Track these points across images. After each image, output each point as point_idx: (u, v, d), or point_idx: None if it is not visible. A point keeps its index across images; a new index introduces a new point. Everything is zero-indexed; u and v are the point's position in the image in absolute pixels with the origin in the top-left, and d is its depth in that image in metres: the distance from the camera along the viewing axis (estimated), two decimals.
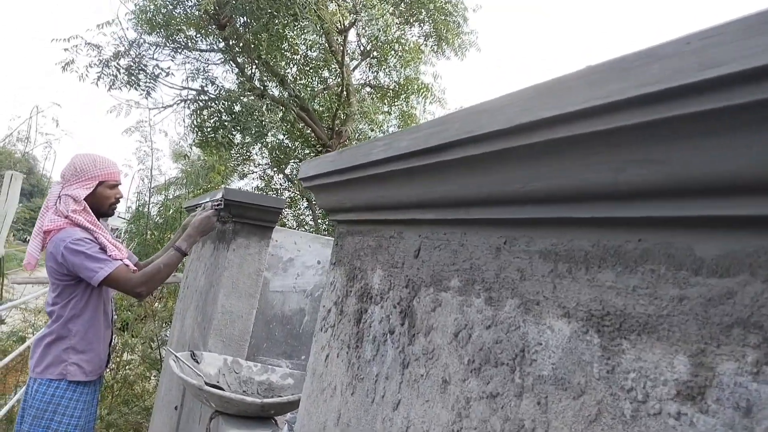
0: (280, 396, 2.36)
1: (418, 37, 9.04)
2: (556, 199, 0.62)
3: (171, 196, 9.32)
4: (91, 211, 2.54)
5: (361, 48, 9.13)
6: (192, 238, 2.66)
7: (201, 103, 8.28)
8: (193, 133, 8.44)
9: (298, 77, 9.15)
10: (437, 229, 0.90)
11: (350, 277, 1.23)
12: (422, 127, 0.82)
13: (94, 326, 2.56)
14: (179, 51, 8.36)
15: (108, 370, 2.72)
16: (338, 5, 8.13)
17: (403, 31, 8.68)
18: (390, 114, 9.80)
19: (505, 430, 0.67)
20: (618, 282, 0.57)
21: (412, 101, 9.35)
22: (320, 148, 8.87)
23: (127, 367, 7.99)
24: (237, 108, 7.87)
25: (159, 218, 9.23)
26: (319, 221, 10.05)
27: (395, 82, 9.31)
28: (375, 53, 8.96)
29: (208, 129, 8.20)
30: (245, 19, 7.83)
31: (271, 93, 8.30)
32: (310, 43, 8.84)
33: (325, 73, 9.50)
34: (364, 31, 8.74)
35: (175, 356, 2.22)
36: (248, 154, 10.33)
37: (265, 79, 8.56)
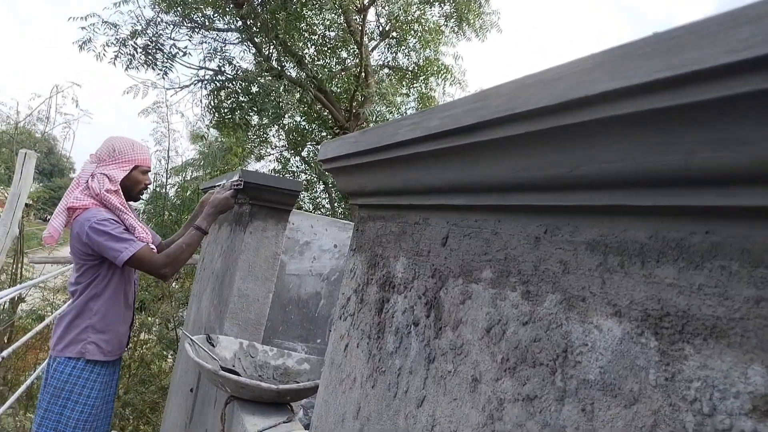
0: (296, 381, 2.33)
1: (439, 17, 8.89)
2: (609, 184, 0.55)
3: (188, 178, 9.33)
4: (122, 193, 2.55)
5: (380, 28, 9.00)
6: (211, 217, 2.65)
7: (218, 84, 8.23)
8: (210, 114, 8.40)
9: (315, 58, 9.06)
10: (467, 216, 0.84)
11: (371, 264, 1.17)
12: (455, 104, 0.75)
13: (115, 306, 2.58)
14: (196, 30, 8.30)
15: (126, 350, 2.75)
16: None
17: (423, 11, 8.53)
18: (408, 96, 9.68)
19: None
20: (680, 279, 0.51)
21: (431, 83, 9.22)
22: (337, 130, 8.80)
23: (144, 347, 8.06)
24: (254, 89, 7.80)
25: (176, 199, 9.25)
26: (336, 204, 10.01)
27: (414, 63, 9.18)
28: (394, 33, 8.83)
29: (225, 110, 8.16)
30: None
31: (288, 74, 8.22)
32: (329, 22, 8.74)
33: (343, 54, 9.40)
34: (383, 10, 8.61)
35: (191, 340, 2.19)
36: (265, 135, 10.29)
37: (282, 59, 8.48)
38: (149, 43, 7.98)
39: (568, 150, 0.58)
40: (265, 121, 8.40)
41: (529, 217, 0.70)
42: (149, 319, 8.00)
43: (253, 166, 10.72)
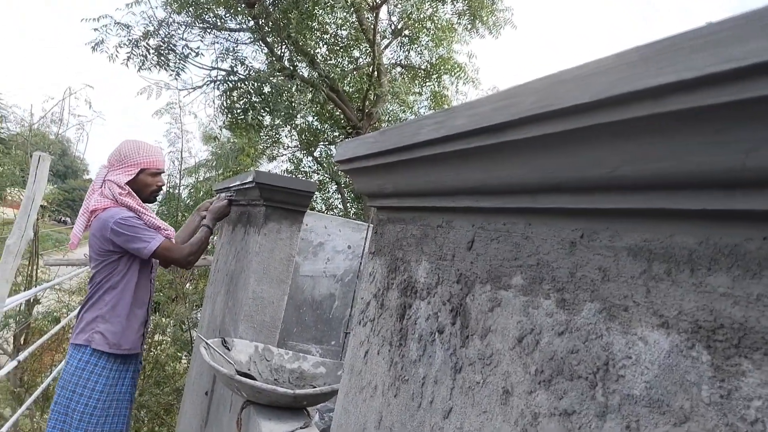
0: (312, 385, 2.30)
1: (452, 14, 8.83)
2: (654, 186, 0.52)
3: (201, 178, 9.35)
4: (135, 195, 2.60)
5: (393, 26, 8.96)
6: (213, 221, 2.86)
7: (230, 84, 8.23)
8: (222, 114, 8.41)
9: (327, 57, 9.04)
10: (494, 219, 0.80)
11: (391, 268, 1.14)
12: (482, 102, 0.72)
13: (124, 300, 2.62)
14: (208, 30, 8.31)
15: (141, 350, 2.80)
16: None
17: (435, 9, 8.48)
18: (421, 95, 9.64)
19: None
20: (735, 289, 0.47)
21: (444, 81, 9.17)
22: (350, 130, 8.77)
23: (158, 348, 8.08)
24: (266, 89, 7.80)
25: (189, 200, 9.28)
26: (349, 205, 9.99)
27: (427, 61, 9.14)
28: (407, 31, 8.79)
29: (238, 110, 8.16)
30: None
31: (300, 73, 8.20)
32: (341, 21, 8.71)
33: (356, 53, 9.37)
34: (395, 8, 8.57)
35: (206, 343, 2.17)
36: (277, 136, 10.29)
37: (294, 59, 8.46)
38: (161, 43, 8.00)
39: (608, 150, 0.54)
40: (278, 121, 8.40)
41: (563, 221, 0.66)
42: (164, 320, 8.02)
43: (266, 166, 10.73)
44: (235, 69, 8.27)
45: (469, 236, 0.86)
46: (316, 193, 10.32)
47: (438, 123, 0.82)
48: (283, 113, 7.59)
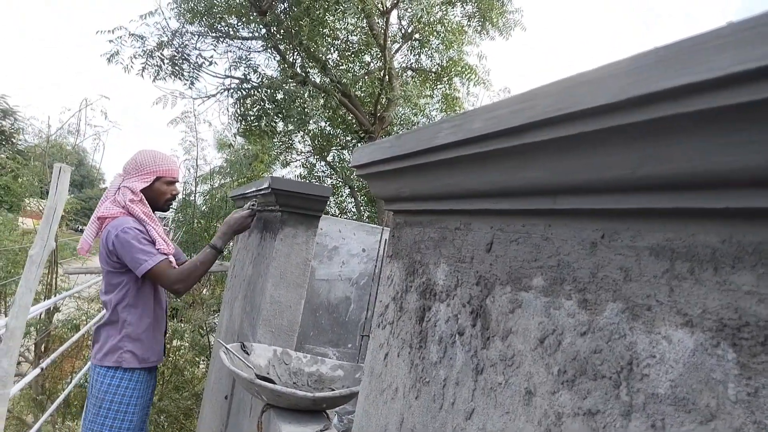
0: (331, 388, 2.31)
1: (461, 17, 8.83)
2: (675, 186, 0.52)
3: (216, 185, 9.42)
4: (147, 203, 2.61)
5: (403, 30, 8.98)
6: (226, 236, 2.75)
7: (244, 92, 8.29)
8: (236, 122, 8.47)
9: (339, 62, 9.08)
10: (513, 221, 0.81)
11: (410, 271, 1.14)
12: (500, 105, 0.72)
13: (147, 314, 2.62)
14: (221, 40, 8.38)
15: (169, 359, 2.82)
16: None
17: (445, 12, 8.49)
18: (432, 97, 9.64)
19: None
20: (760, 286, 0.47)
21: (455, 83, 9.17)
22: (362, 135, 8.80)
23: (177, 354, 8.15)
24: (279, 96, 7.85)
25: (204, 207, 9.35)
26: (362, 208, 10.01)
27: (438, 64, 9.14)
28: (417, 35, 8.81)
29: (252, 117, 8.22)
30: (286, 4, 7.78)
31: (312, 79, 8.24)
32: (351, 27, 8.75)
33: (366, 58, 9.40)
34: (405, 12, 8.58)
35: (226, 348, 2.19)
36: (290, 142, 10.35)
37: (306, 65, 8.51)
38: (175, 53, 8.08)
39: (629, 151, 0.55)
40: (291, 127, 8.45)
41: (584, 222, 0.67)
42: (181, 325, 8.08)
43: (279, 172, 10.79)
44: (248, 77, 8.33)
45: (488, 238, 0.87)
46: (330, 197, 10.36)
47: (455, 126, 0.83)
48: (296, 119, 7.63)
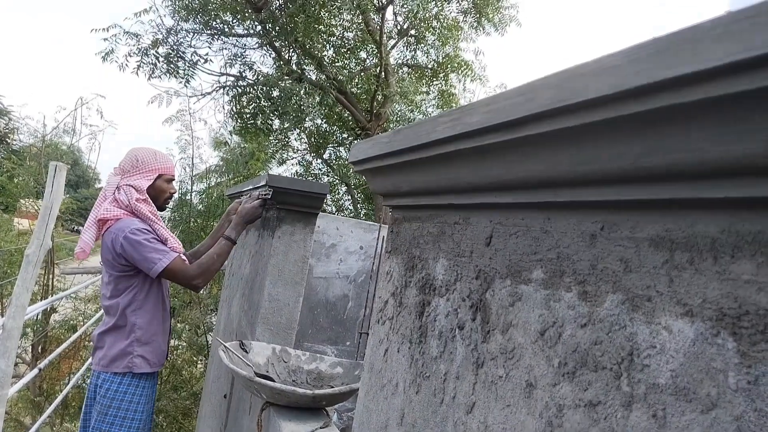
0: (330, 385, 2.31)
1: (457, 12, 8.83)
2: (675, 177, 0.52)
3: (212, 184, 9.41)
4: (151, 201, 2.55)
5: (399, 26, 8.97)
6: (239, 227, 2.68)
7: (239, 90, 8.28)
8: (232, 120, 8.46)
9: (335, 59, 9.07)
10: (512, 214, 0.81)
11: (409, 266, 1.15)
12: (498, 98, 0.72)
13: (156, 317, 2.58)
14: (216, 37, 8.36)
15: (175, 357, 2.77)
16: None
17: (441, 7, 8.48)
18: (428, 94, 9.64)
19: None
20: (760, 275, 0.47)
21: (451, 79, 9.17)
22: (359, 132, 8.80)
23: (174, 353, 8.14)
24: (275, 93, 7.84)
25: (200, 206, 9.33)
26: (359, 206, 10.01)
27: (434, 60, 9.14)
28: (413, 31, 8.80)
29: (248, 115, 8.20)
30: (281, 1, 7.77)
31: (308, 76, 8.23)
32: (347, 23, 8.74)
33: (362, 54, 9.39)
34: (401, 8, 8.58)
35: (225, 346, 2.19)
36: (287, 139, 10.34)
37: (302, 62, 8.50)
38: (170, 51, 8.06)
39: (628, 142, 0.55)
40: (287, 124, 8.44)
41: (583, 214, 0.67)
42: (179, 325, 8.08)
43: (276, 170, 10.79)
44: (243, 74, 8.31)
45: (487, 232, 0.87)
46: (327, 194, 10.35)
47: (453, 120, 0.83)
48: (292, 117, 7.62)
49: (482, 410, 0.80)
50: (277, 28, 8.01)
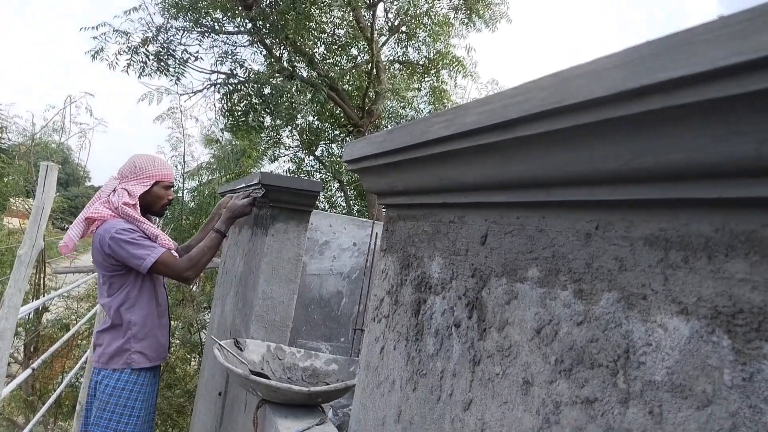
0: (325, 382, 2.32)
1: (448, 9, 8.83)
2: (668, 177, 0.53)
3: (203, 181, 9.38)
4: (139, 209, 2.58)
5: (389, 23, 8.96)
6: (229, 221, 2.71)
7: (230, 87, 8.24)
8: (224, 117, 8.43)
9: (326, 56, 9.05)
10: (508, 213, 0.82)
11: (404, 264, 1.15)
12: (492, 99, 0.73)
13: (151, 313, 2.62)
14: (207, 35, 8.32)
15: (169, 355, 2.79)
16: None
17: (432, 4, 8.48)
18: (420, 90, 9.64)
19: None
20: (753, 274, 0.48)
21: (443, 76, 9.17)
22: (351, 128, 8.79)
23: (168, 351, 8.12)
24: (267, 90, 7.81)
25: (192, 203, 9.31)
26: (352, 203, 10.00)
27: (425, 57, 9.14)
28: (404, 28, 8.79)
29: (239, 113, 8.17)
30: None
31: (300, 74, 8.21)
32: (338, 20, 8.71)
33: (354, 51, 9.38)
34: (392, 5, 8.56)
35: (219, 345, 2.19)
36: (278, 137, 10.31)
37: (293, 59, 8.47)
38: (161, 49, 8.02)
39: (623, 142, 0.55)
40: (279, 122, 8.41)
41: (578, 213, 0.67)
42: (172, 323, 8.06)
43: (268, 167, 10.76)
44: (234, 72, 8.28)
45: (482, 231, 0.88)
46: (320, 192, 10.33)
47: (448, 120, 0.84)
48: (283, 114, 7.61)
49: (479, 407, 0.81)
50: (268, 25, 7.98)
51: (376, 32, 8.39)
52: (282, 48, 8.42)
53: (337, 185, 10.55)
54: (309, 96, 7.66)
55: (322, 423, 1.96)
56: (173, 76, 8.10)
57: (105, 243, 2.46)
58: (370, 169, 1.24)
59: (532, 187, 0.73)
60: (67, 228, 2.68)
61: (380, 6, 8.49)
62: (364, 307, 3.91)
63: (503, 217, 0.83)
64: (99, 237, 2.49)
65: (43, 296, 6.83)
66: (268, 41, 8.36)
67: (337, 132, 10.07)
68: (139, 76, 7.99)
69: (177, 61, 8.08)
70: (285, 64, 8.25)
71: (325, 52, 9.09)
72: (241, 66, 8.29)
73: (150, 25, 8.02)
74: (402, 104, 9.25)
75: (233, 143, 10.35)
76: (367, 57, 8.80)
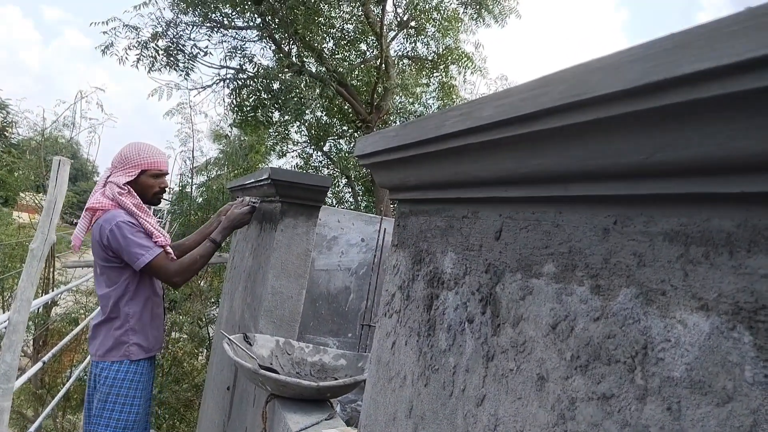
0: (334, 377, 2.32)
1: (457, 4, 8.80)
2: (690, 171, 0.52)
3: (212, 176, 9.41)
4: (136, 194, 2.57)
5: (399, 18, 8.94)
6: (226, 231, 2.77)
7: (240, 82, 8.25)
8: (232, 112, 8.44)
9: (335, 51, 9.04)
10: (523, 208, 0.81)
11: (416, 260, 1.15)
12: (510, 92, 0.72)
13: (148, 305, 2.63)
14: (216, 30, 8.33)
15: (163, 345, 2.81)
16: None
17: None
18: (428, 86, 9.62)
19: None
20: None
21: (452, 71, 9.14)
22: (359, 124, 8.78)
23: (176, 345, 8.16)
24: (275, 86, 7.82)
25: (200, 199, 9.33)
26: (359, 198, 10.00)
27: (434, 52, 9.12)
28: (413, 23, 8.77)
29: (248, 108, 8.18)
30: None
31: (308, 69, 8.21)
32: (347, 15, 8.70)
33: (363, 46, 9.36)
34: (401, 0, 8.54)
35: (229, 339, 2.20)
36: (287, 132, 10.32)
37: (302, 54, 8.47)
38: (170, 44, 8.04)
39: (643, 137, 0.55)
40: (287, 117, 8.42)
41: (595, 208, 0.67)
42: (180, 318, 8.09)
43: (276, 162, 10.78)
44: (243, 67, 8.29)
45: (496, 226, 0.87)
46: (329, 187, 10.33)
47: (464, 114, 0.83)
48: (292, 109, 7.61)
49: (493, 403, 0.81)
50: (277, 20, 7.99)
51: (385, 27, 8.37)
52: (291, 43, 8.43)
53: (345, 181, 10.55)
54: (318, 91, 7.67)
55: (331, 418, 1.96)
56: (183, 71, 8.12)
57: (104, 234, 2.47)
58: (383, 164, 1.24)
59: (548, 181, 0.72)
60: (76, 222, 2.71)
61: (390, 1, 8.48)
62: (372, 302, 3.91)
63: (518, 212, 0.82)
64: (99, 227, 2.51)
65: (53, 290, 6.88)
66: (277, 36, 8.36)
67: (345, 128, 10.07)
68: (148, 71, 8.02)
69: (186, 56, 8.10)
70: (294, 59, 8.25)
71: (334, 47, 9.09)
72: (250, 61, 8.30)
73: (159, 19, 8.04)
74: (411, 100, 9.24)
75: (242, 139, 10.37)
76: (376, 52, 8.79)
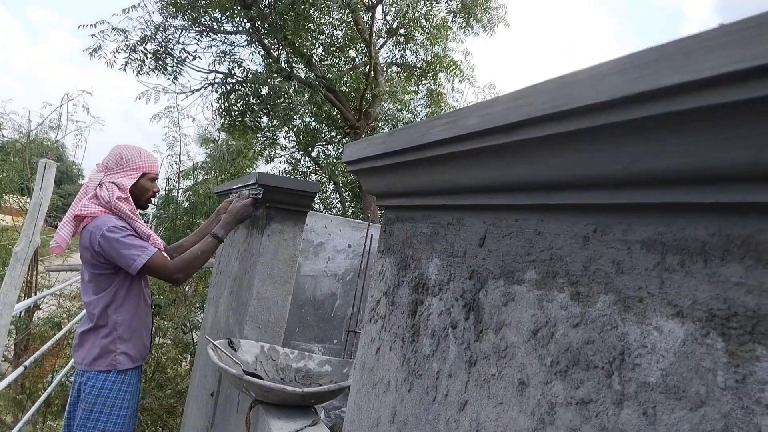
0: (319, 383, 2.32)
1: (446, 12, 8.87)
2: (667, 181, 0.54)
3: (199, 181, 9.36)
4: (132, 200, 2.53)
5: (388, 26, 8.98)
6: (229, 225, 2.67)
7: (228, 87, 8.25)
8: (221, 117, 8.42)
9: (324, 57, 9.06)
10: (506, 216, 0.83)
11: (402, 266, 1.16)
12: (495, 102, 0.74)
13: (138, 314, 2.56)
14: (205, 34, 8.32)
15: (153, 356, 2.76)
16: None
17: (430, 7, 8.51)
18: (417, 93, 9.66)
19: None
20: (748, 278, 0.49)
21: (440, 79, 9.20)
22: (348, 130, 8.80)
23: (159, 351, 8.10)
24: (264, 91, 7.82)
25: (186, 203, 9.29)
26: (347, 204, 10.01)
27: (423, 60, 9.17)
28: (402, 30, 8.82)
29: (236, 113, 8.17)
30: None
31: (297, 74, 8.22)
32: (337, 22, 8.73)
33: (352, 53, 9.39)
34: (390, 7, 8.59)
35: (213, 344, 2.19)
36: (275, 137, 10.30)
37: (291, 60, 8.48)
38: (159, 48, 8.01)
39: (623, 147, 0.56)
40: (276, 122, 8.42)
41: (576, 216, 0.68)
42: (164, 323, 8.03)
43: (263, 167, 10.76)
44: (232, 71, 8.29)
45: (480, 233, 0.88)
46: (317, 193, 10.32)
47: (449, 123, 0.84)
48: (281, 115, 7.61)
49: (475, 408, 0.81)
50: (267, 25, 7.99)
51: (374, 34, 8.41)
52: (280, 48, 8.43)
53: (332, 187, 10.55)
54: (306, 97, 7.67)
55: (314, 424, 1.96)
56: (171, 75, 8.10)
57: (95, 241, 2.39)
58: (370, 171, 1.24)
59: (531, 189, 0.74)
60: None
61: (379, 8, 8.52)
62: (358, 309, 3.91)
63: (502, 219, 0.83)
64: (89, 234, 2.42)
65: (35, 294, 6.80)
66: (266, 41, 8.37)
67: (333, 133, 10.08)
68: (136, 75, 7.99)
69: (175, 60, 8.08)
70: (283, 64, 8.25)
71: (323, 53, 9.11)
72: (239, 66, 8.30)
73: (148, 23, 8.02)
74: (399, 107, 9.27)
75: (229, 143, 10.35)
76: (365, 59, 8.82)
